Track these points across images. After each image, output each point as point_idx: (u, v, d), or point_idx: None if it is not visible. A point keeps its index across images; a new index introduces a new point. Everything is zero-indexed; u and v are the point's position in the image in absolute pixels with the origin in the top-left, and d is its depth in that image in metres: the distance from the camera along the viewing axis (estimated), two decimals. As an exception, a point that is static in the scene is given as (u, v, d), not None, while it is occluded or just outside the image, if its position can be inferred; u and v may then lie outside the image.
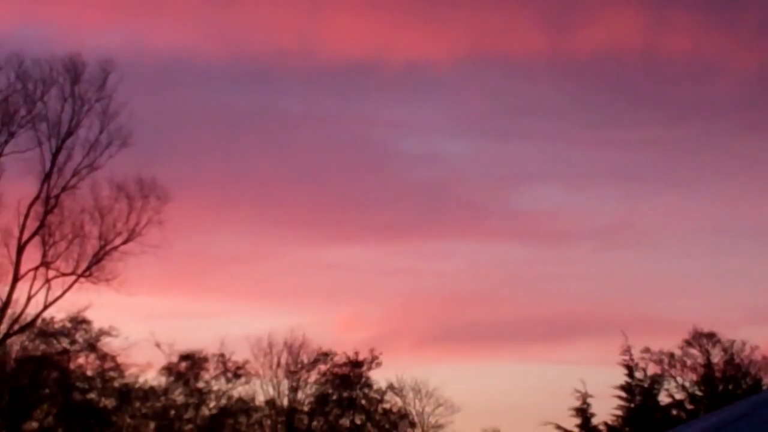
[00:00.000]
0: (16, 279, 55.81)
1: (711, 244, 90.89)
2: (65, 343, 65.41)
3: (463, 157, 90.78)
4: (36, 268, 56.10)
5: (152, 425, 67.53)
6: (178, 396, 67.57)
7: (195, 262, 76.55)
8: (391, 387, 70.03)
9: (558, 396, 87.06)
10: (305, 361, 68.76)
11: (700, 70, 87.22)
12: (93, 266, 56.61)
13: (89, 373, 66.46)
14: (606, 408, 64.61)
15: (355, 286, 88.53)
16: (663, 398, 64.97)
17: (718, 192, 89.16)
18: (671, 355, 66.12)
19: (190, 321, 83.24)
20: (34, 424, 65.07)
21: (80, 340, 65.74)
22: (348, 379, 69.17)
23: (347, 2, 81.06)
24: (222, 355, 67.95)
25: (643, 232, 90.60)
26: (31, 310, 56.95)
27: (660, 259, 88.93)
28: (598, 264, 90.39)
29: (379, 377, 70.03)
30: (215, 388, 67.98)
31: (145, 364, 66.64)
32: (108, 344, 65.63)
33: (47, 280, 56.17)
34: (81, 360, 66.38)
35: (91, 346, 65.77)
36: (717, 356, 66.58)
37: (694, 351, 66.55)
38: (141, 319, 78.62)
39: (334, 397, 69.20)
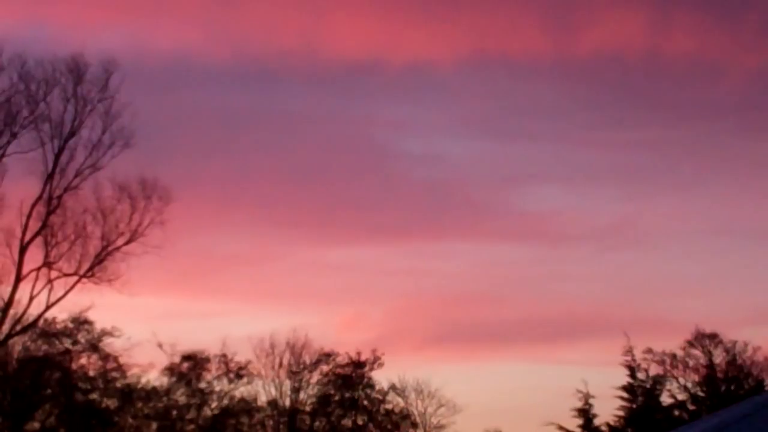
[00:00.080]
0: (18, 279, 55.85)
1: (713, 244, 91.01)
2: (67, 343, 65.43)
3: (465, 158, 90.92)
4: (38, 269, 56.15)
5: (154, 426, 67.54)
6: (180, 396, 67.61)
7: (197, 262, 76.67)
8: (393, 387, 70.06)
9: (560, 396, 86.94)
10: (307, 361, 68.82)
11: (703, 71, 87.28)
12: (95, 267, 56.65)
13: (91, 373, 66.51)
14: (608, 409, 64.73)
15: (357, 286, 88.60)
16: (665, 399, 65.06)
17: (720, 193, 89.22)
18: (673, 356, 66.11)
19: (193, 321, 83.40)
20: (36, 425, 65.06)
21: (82, 340, 65.80)
22: (350, 380, 69.16)
23: (349, 3, 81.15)
24: (224, 356, 68.02)
25: (645, 233, 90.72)
26: (34, 311, 57.07)
27: (662, 259, 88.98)
28: (600, 264, 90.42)
29: (381, 378, 70.14)
30: (217, 388, 68.03)
31: (147, 364, 66.76)
32: (110, 345, 65.76)
33: (49, 281, 56.22)
34: (83, 360, 66.45)
35: (94, 347, 65.81)
36: (719, 357, 66.59)
37: (696, 352, 66.55)
38: (143, 320, 78.82)
39: (336, 398, 69.20)
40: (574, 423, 62.18)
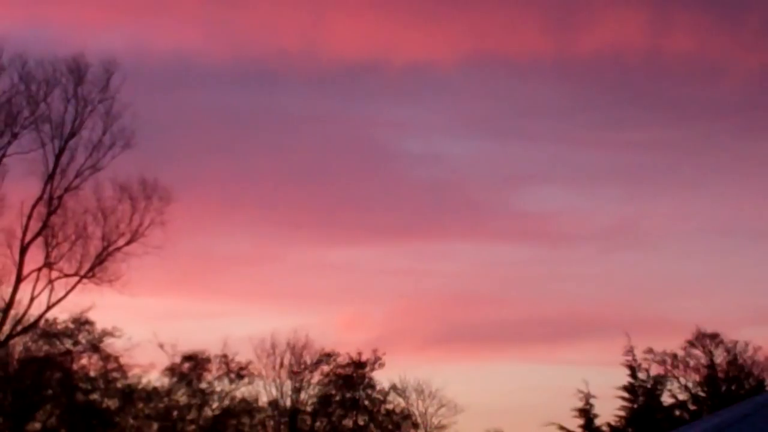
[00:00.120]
0: (19, 280, 55.85)
1: (714, 244, 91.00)
2: (68, 344, 65.43)
3: (466, 158, 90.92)
4: (39, 269, 56.14)
5: (155, 426, 67.54)
6: (181, 397, 67.61)
7: (198, 262, 76.60)
8: (394, 388, 70.05)
9: (561, 397, 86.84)
10: (308, 361, 68.81)
11: (704, 71, 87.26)
12: (96, 267, 56.63)
13: (92, 374, 66.51)
14: (609, 409, 64.78)
15: (358, 286, 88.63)
16: (666, 399, 65.10)
17: (721, 192, 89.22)
18: (674, 356, 66.11)
19: (193, 322, 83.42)
20: (37, 425, 65.08)
21: (83, 341, 65.80)
22: (351, 380, 69.16)
23: (350, 3, 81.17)
24: (225, 356, 68.00)
25: (645, 233, 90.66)
26: (34, 311, 57.03)
27: (663, 259, 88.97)
28: (601, 264, 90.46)
29: (382, 378, 70.11)
30: (218, 388, 68.05)
31: (148, 364, 66.73)
32: (111, 345, 65.74)
33: (50, 281, 56.21)
34: (84, 361, 66.45)
35: (94, 347, 65.81)
36: (720, 357, 66.58)
37: (697, 352, 66.54)
38: (144, 320, 78.90)
39: (337, 398, 69.20)
40: (575, 423, 62.27)
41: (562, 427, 61.28)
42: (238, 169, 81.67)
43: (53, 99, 56.40)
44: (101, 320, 65.25)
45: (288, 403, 68.46)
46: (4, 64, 55.76)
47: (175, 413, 67.51)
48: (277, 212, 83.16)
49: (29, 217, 56.04)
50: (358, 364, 69.44)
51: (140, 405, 67.11)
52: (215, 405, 67.99)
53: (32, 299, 56.08)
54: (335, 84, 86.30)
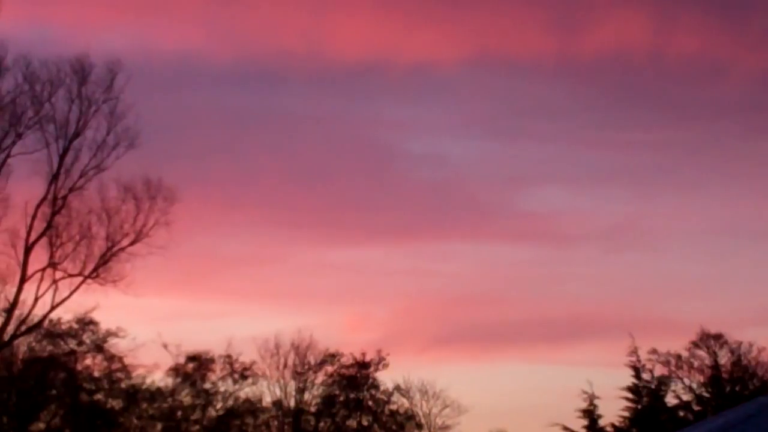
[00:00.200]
0: (23, 280, 55.79)
1: (718, 245, 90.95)
2: (72, 344, 65.48)
3: (469, 159, 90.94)
4: (43, 269, 56.08)
5: (159, 426, 67.58)
6: (185, 397, 67.64)
7: (202, 263, 76.70)
8: (397, 388, 70.08)
9: (565, 397, 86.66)
10: (312, 362, 68.83)
11: (707, 72, 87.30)
12: (100, 267, 56.55)
13: (96, 374, 66.55)
14: (613, 409, 64.76)
15: (362, 287, 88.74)
16: (670, 399, 65.06)
17: (724, 193, 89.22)
18: (678, 357, 66.07)
19: (197, 322, 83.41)
20: (41, 425, 65.13)
21: (87, 341, 65.84)
22: (355, 380, 69.17)
23: (353, 4, 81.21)
24: (229, 356, 68.03)
25: (649, 234, 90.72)
26: (38, 311, 56.94)
27: (666, 260, 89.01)
28: (604, 265, 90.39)
29: (385, 378, 70.17)
30: (222, 389, 68.09)
31: (152, 365, 66.79)
32: (115, 345, 65.82)
33: (54, 281, 56.14)
34: (88, 361, 66.49)
35: (98, 347, 65.85)
36: (724, 358, 66.53)
37: (701, 352, 66.50)
38: (148, 320, 78.85)
39: (341, 399, 69.22)
40: (579, 424, 62.27)
41: (566, 428, 61.29)
42: (241, 169, 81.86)
43: (57, 99, 56.37)
44: (105, 320, 65.43)
45: (292, 403, 68.49)
46: (9, 64, 55.75)
47: (179, 413, 67.54)
48: (281, 212, 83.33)
49: (33, 218, 56.02)
50: (362, 365, 69.45)
51: (144, 405, 67.15)
52: (219, 405, 68.04)
53: (36, 299, 56.05)
54: (338, 84, 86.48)
